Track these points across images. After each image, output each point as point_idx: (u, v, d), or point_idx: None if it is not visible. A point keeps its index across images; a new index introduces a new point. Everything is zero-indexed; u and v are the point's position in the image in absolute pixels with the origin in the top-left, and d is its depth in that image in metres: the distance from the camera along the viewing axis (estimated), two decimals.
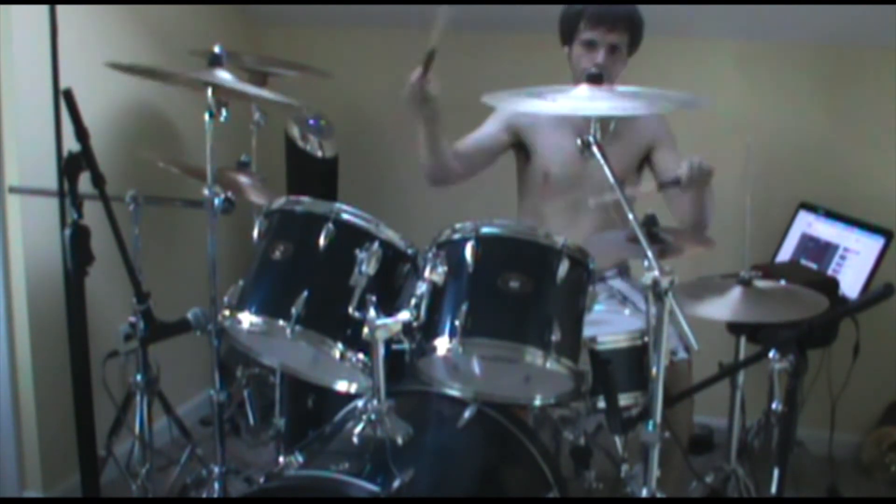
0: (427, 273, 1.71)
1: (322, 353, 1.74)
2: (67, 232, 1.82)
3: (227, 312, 1.79)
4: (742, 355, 2.29)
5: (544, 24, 2.51)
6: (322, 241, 1.74)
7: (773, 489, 1.64)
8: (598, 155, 1.74)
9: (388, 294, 1.76)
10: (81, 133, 1.84)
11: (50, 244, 2.45)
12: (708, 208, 2.34)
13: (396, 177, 3.51)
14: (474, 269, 1.71)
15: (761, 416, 2.55)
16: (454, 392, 1.89)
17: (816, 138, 3.12)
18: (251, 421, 2.79)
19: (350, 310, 1.69)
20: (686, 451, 2.27)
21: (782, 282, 2.14)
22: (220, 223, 2.08)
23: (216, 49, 2.04)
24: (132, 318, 2.15)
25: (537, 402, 1.91)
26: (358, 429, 1.64)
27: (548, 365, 1.66)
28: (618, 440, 2.14)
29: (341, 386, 1.90)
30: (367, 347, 1.67)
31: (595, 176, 2.40)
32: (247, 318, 1.75)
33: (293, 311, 1.69)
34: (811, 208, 3.02)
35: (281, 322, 1.70)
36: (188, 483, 2.39)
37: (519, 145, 2.57)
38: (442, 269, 1.71)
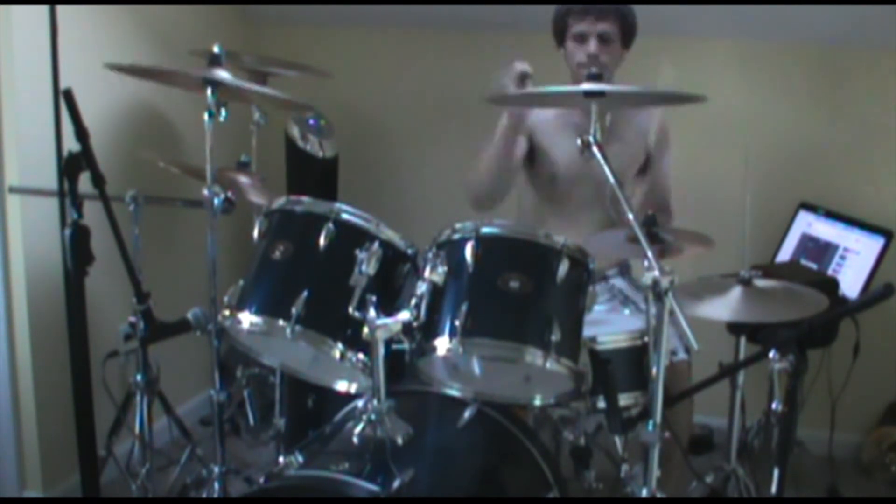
0: (427, 273, 1.71)
1: (322, 353, 1.74)
2: (67, 232, 1.82)
3: (227, 312, 1.79)
4: (742, 355, 2.29)
5: (544, 24, 2.51)
6: (322, 241, 1.74)
7: (773, 489, 1.64)
8: (598, 155, 1.74)
9: (388, 294, 1.76)
10: (81, 133, 1.84)
11: (50, 244, 2.45)
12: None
13: (396, 177, 3.51)
14: (474, 269, 1.71)
15: (761, 416, 2.55)
16: (454, 392, 1.89)
17: (816, 138, 3.12)
18: (251, 421, 2.79)
19: (350, 310, 1.69)
20: (686, 451, 2.27)
21: (782, 282, 2.14)
22: (220, 223, 2.08)
23: (216, 49, 2.04)
24: (132, 318, 2.15)
25: (537, 402, 1.91)
26: (358, 429, 1.64)
27: (548, 365, 1.66)
28: (618, 440, 2.14)
29: (341, 386, 1.90)
30: (367, 347, 1.67)
31: (598, 174, 2.42)
32: (247, 318, 1.75)
33: (293, 311, 1.69)
34: (811, 208, 3.02)
35: (281, 322, 1.70)
36: (188, 483, 2.39)
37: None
38: (442, 269, 1.71)
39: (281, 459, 1.87)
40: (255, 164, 2.72)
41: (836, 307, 2.40)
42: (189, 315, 2.10)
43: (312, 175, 3.26)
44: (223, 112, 2.02)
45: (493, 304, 1.70)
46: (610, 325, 2.07)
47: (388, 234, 1.77)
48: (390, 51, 3.47)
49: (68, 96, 1.81)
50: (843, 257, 2.89)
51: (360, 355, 1.71)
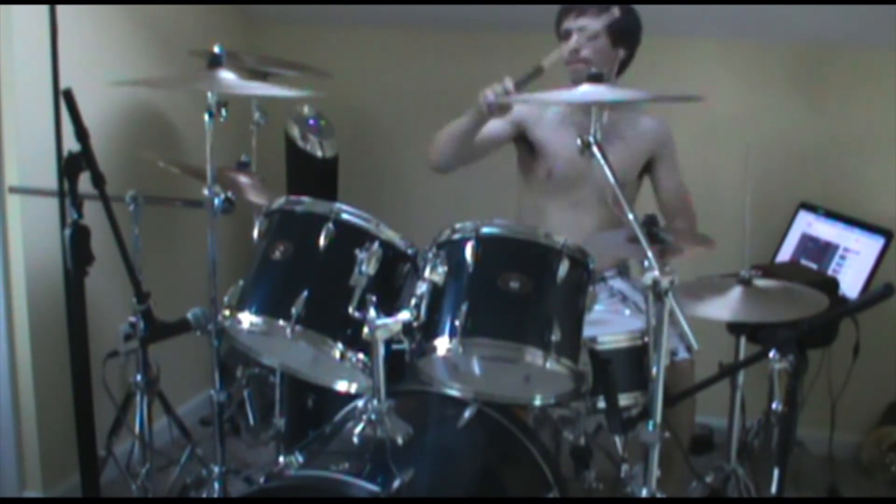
0: (427, 273, 1.71)
1: (322, 353, 1.74)
2: (67, 232, 1.82)
3: (227, 312, 1.79)
4: (742, 355, 2.29)
5: (544, 24, 2.52)
6: (322, 241, 1.74)
7: (773, 489, 1.64)
8: (598, 155, 1.74)
9: (388, 294, 1.76)
10: (81, 133, 1.83)
11: (50, 244, 2.45)
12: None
13: (396, 177, 3.51)
14: (474, 269, 1.71)
15: (761, 416, 2.55)
16: (454, 392, 1.89)
17: (816, 138, 3.12)
18: (251, 421, 2.79)
19: (350, 310, 1.69)
20: (686, 451, 2.27)
21: (782, 282, 2.14)
22: (220, 223, 2.08)
23: (216, 49, 2.04)
24: (132, 318, 2.15)
25: (537, 402, 1.91)
26: (358, 429, 1.64)
27: (548, 365, 1.66)
28: (618, 440, 2.14)
29: (341, 386, 1.90)
30: (367, 347, 1.67)
31: (598, 174, 2.42)
32: (247, 318, 1.75)
33: (293, 311, 1.69)
34: (811, 208, 3.02)
35: (281, 322, 1.70)
36: (188, 483, 2.39)
37: (523, 140, 2.57)
38: (442, 269, 1.71)
39: (281, 459, 1.87)
40: (255, 164, 2.72)
41: (836, 307, 2.40)
42: (189, 315, 2.10)
43: (312, 175, 3.26)
44: (223, 112, 2.02)
45: (493, 304, 1.70)
46: (610, 325, 2.07)
47: (388, 234, 1.77)
48: (390, 51, 3.47)
49: (68, 96, 1.81)
50: (843, 257, 2.89)
51: (360, 355, 1.71)
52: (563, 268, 1.70)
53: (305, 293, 1.71)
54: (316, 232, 1.75)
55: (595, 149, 1.74)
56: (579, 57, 2.39)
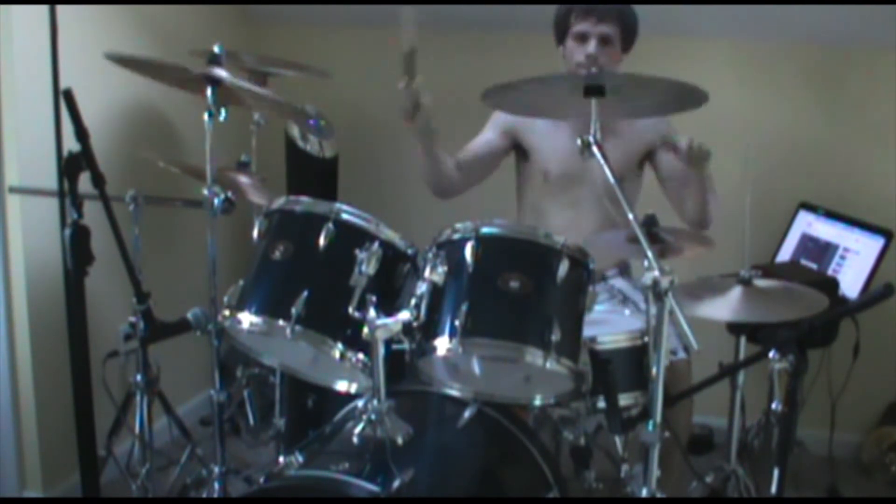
0: (427, 273, 1.71)
1: (322, 353, 1.74)
2: (67, 232, 1.82)
3: (227, 312, 1.79)
4: (742, 355, 2.29)
5: (543, 24, 2.51)
6: (322, 241, 1.74)
7: (773, 489, 1.64)
8: (598, 155, 1.74)
9: (388, 294, 1.76)
10: (81, 133, 1.83)
11: (50, 244, 2.45)
12: (710, 204, 2.34)
13: (396, 177, 3.50)
14: (474, 269, 1.71)
15: (761, 416, 2.55)
16: (454, 392, 1.89)
17: (816, 138, 3.12)
18: (251, 421, 2.79)
19: (350, 310, 1.69)
20: (686, 451, 2.27)
21: (782, 282, 2.14)
22: (220, 223, 2.08)
23: (216, 49, 2.04)
24: (132, 318, 2.15)
25: (537, 402, 1.91)
26: (358, 429, 1.64)
27: (548, 365, 1.66)
28: (618, 440, 2.14)
29: (341, 386, 1.90)
30: (367, 347, 1.67)
31: (595, 174, 2.42)
32: (247, 318, 1.75)
33: (293, 311, 1.69)
34: (811, 208, 3.02)
35: (281, 322, 1.70)
36: (188, 483, 2.39)
37: (517, 147, 2.57)
38: (442, 269, 1.71)
39: (281, 459, 1.86)
40: (255, 164, 2.72)
41: (836, 307, 2.40)
42: (189, 315, 2.10)
43: (312, 175, 3.26)
44: (223, 112, 2.02)
45: (493, 304, 1.70)
46: (610, 325, 2.07)
47: (388, 234, 1.77)
48: (390, 51, 3.46)
49: (68, 96, 1.81)
50: (843, 257, 2.89)
51: (360, 355, 1.71)
52: (563, 268, 1.70)
53: (305, 293, 1.71)
54: (316, 232, 1.75)
55: (595, 148, 1.74)
56: (597, 63, 2.35)
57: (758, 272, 2.04)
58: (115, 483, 2.49)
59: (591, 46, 2.36)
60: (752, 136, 2.99)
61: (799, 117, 3.13)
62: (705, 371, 1.93)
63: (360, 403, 1.68)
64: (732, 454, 2.33)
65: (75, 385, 1.92)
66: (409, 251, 1.80)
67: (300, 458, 1.81)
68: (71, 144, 1.86)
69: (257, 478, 2.14)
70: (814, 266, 2.90)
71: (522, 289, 1.68)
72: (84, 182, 1.87)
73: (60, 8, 2.27)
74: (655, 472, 1.69)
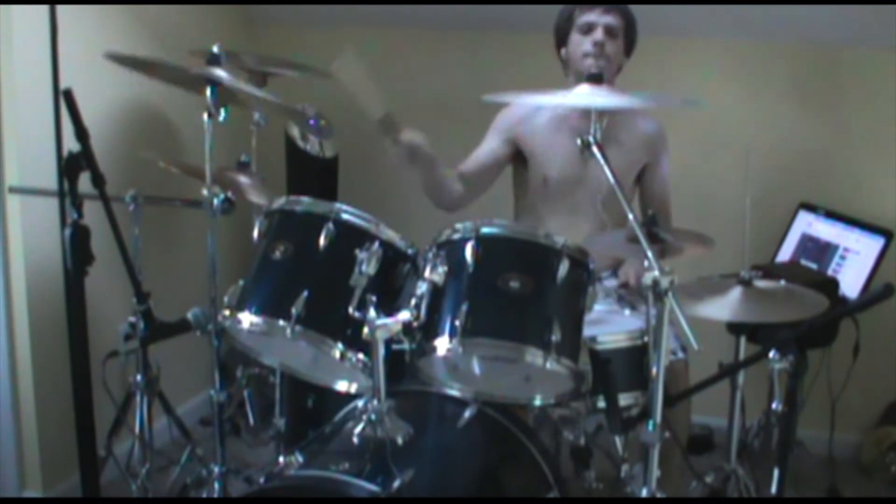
0: (427, 273, 1.72)
1: (322, 353, 1.74)
2: (67, 232, 1.82)
3: (227, 312, 1.79)
4: (742, 355, 2.29)
5: (544, 25, 2.51)
6: (322, 241, 1.74)
7: (773, 489, 1.64)
8: (598, 155, 1.74)
9: (388, 294, 1.76)
10: (81, 133, 1.84)
11: (50, 244, 2.45)
12: None
13: (396, 177, 3.49)
14: (474, 269, 1.71)
15: (761, 416, 2.55)
16: (454, 392, 1.89)
17: (816, 138, 3.12)
18: (251, 421, 2.79)
19: (350, 310, 1.69)
20: (686, 451, 2.27)
21: (782, 282, 2.14)
22: (220, 223, 2.08)
23: (215, 49, 2.04)
24: (132, 318, 2.15)
25: (537, 402, 1.91)
26: (358, 429, 1.64)
27: (548, 365, 1.66)
28: (618, 440, 2.14)
29: (341, 386, 1.90)
30: (367, 347, 1.67)
31: (594, 178, 2.43)
32: (247, 318, 1.75)
33: (293, 311, 1.69)
34: (811, 208, 3.02)
35: (281, 322, 1.70)
36: (188, 483, 2.38)
37: (517, 152, 2.58)
38: (442, 269, 1.71)
39: (281, 459, 1.87)
40: (255, 164, 2.71)
41: (836, 307, 2.40)
42: (189, 315, 2.10)
43: (312, 175, 3.26)
44: (223, 112, 2.02)
45: (494, 304, 1.70)
46: (610, 325, 2.07)
47: (388, 234, 1.77)
48: (390, 51, 3.47)
49: (68, 96, 1.81)
50: (843, 257, 2.89)
51: (360, 355, 1.71)
52: (563, 268, 1.70)
53: (305, 293, 1.71)
54: (316, 232, 1.75)
55: (595, 149, 1.74)
56: (604, 52, 2.38)
57: (758, 272, 2.04)
58: (115, 483, 2.49)
59: (599, 34, 2.39)
60: (752, 136, 2.99)
61: (799, 118, 3.12)
62: (705, 371, 1.93)
63: (360, 403, 1.68)
64: (732, 454, 2.33)
65: (75, 385, 1.92)
66: (410, 251, 1.80)
67: (300, 458, 1.81)
68: (71, 144, 1.86)
69: (257, 478, 2.15)
70: (814, 266, 2.90)
71: (522, 289, 1.68)
72: (84, 182, 1.87)
73: (60, 8, 2.27)
74: (655, 472, 1.69)
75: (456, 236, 1.76)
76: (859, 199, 3.01)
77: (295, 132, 3.20)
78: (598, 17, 2.40)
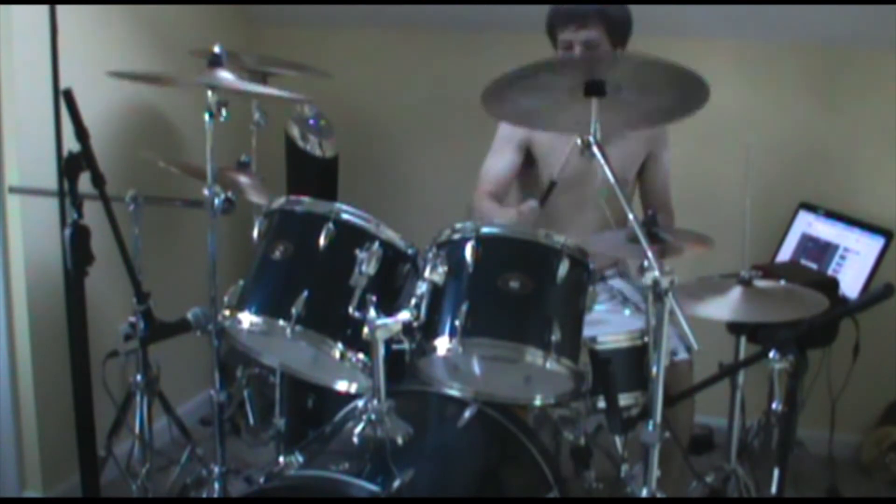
0: (427, 273, 1.71)
1: (322, 353, 1.74)
2: (67, 232, 1.82)
3: (227, 312, 1.79)
4: (742, 355, 2.29)
5: (543, 25, 2.51)
6: (322, 241, 1.74)
7: (773, 489, 1.64)
8: (599, 155, 1.74)
9: (388, 294, 1.76)
10: (81, 133, 1.84)
11: (50, 244, 2.45)
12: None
13: (396, 177, 3.51)
14: (474, 269, 1.71)
15: (761, 416, 2.55)
16: (454, 392, 1.89)
17: (816, 138, 3.12)
18: (251, 421, 2.79)
19: (350, 310, 1.69)
20: (686, 451, 2.26)
21: (782, 282, 2.14)
22: (220, 223, 2.08)
23: (216, 49, 2.04)
24: (132, 318, 2.15)
25: (537, 402, 1.91)
26: (358, 429, 1.64)
27: (548, 365, 1.66)
28: (618, 440, 2.14)
29: (341, 386, 1.90)
30: (367, 347, 1.67)
31: (597, 177, 2.42)
32: (247, 318, 1.75)
33: (293, 311, 1.69)
34: (811, 208, 3.02)
35: (281, 322, 1.70)
36: (188, 483, 2.38)
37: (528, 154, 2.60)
38: (442, 269, 1.71)
39: (281, 459, 1.87)
40: (255, 164, 2.71)
41: (836, 307, 2.40)
42: (189, 315, 2.10)
43: (312, 175, 3.26)
44: (223, 112, 2.02)
45: (494, 304, 1.70)
46: (610, 325, 2.07)
47: (388, 234, 1.77)
48: (390, 51, 3.47)
49: (68, 96, 1.81)
50: (843, 257, 2.89)
51: (360, 355, 1.71)
52: (563, 268, 1.70)
53: (305, 293, 1.71)
54: (316, 232, 1.75)
55: (595, 148, 1.73)
56: None
57: (758, 272, 2.04)
58: (115, 483, 2.49)
59: (577, 52, 2.38)
60: (752, 136, 2.98)
61: (799, 117, 3.12)
62: (705, 371, 1.93)
63: (360, 403, 1.68)
64: (732, 454, 2.33)
65: (75, 385, 1.92)
66: (410, 251, 1.80)
67: (300, 458, 1.82)
68: (71, 144, 1.86)
69: (257, 478, 2.14)
70: (814, 266, 2.90)
71: (522, 289, 1.68)
72: (84, 182, 1.87)
73: (60, 8, 2.27)
74: (655, 472, 1.69)
75: (456, 236, 1.76)
76: (859, 199, 3.01)
77: (295, 132, 3.20)
78: (573, 34, 2.38)
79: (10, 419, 2.58)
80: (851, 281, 2.82)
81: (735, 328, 2.32)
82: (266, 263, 1.80)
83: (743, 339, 2.29)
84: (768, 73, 3.12)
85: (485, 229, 1.74)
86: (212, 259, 2.08)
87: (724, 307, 1.95)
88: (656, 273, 1.59)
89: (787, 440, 1.67)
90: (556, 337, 1.66)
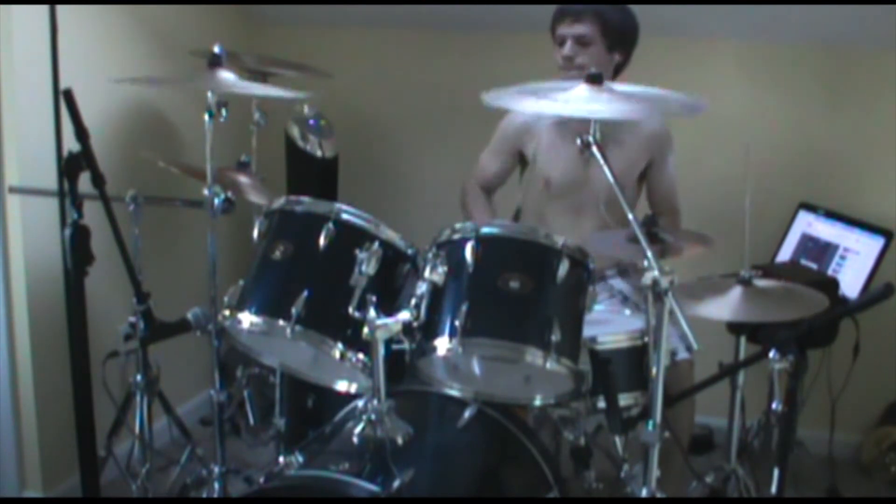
0: (427, 273, 1.72)
1: (322, 353, 1.74)
2: (67, 232, 1.82)
3: (227, 312, 1.79)
4: (742, 355, 2.29)
5: (543, 25, 2.52)
6: (322, 241, 1.75)
7: (773, 489, 1.64)
8: (598, 155, 1.74)
9: (388, 294, 1.76)
10: (81, 133, 1.83)
11: (50, 244, 2.45)
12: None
13: (396, 177, 3.50)
14: (474, 269, 1.71)
15: (761, 416, 2.55)
16: (454, 392, 1.89)
17: (816, 138, 3.12)
18: (251, 421, 2.79)
19: (350, 310, 1.69)
20: (686, 451, 2.27)
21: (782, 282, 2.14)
22: (220, 223, 2.08)
23: (216, 49, 2.04)
24: (132, 318, 2.15)
25: (537, 402, 1.91)
26: (358, 429, 1.64)
27: (548, 365, 1.66)
28: (618, 440, 2.14)
29: (341, 386, 1.90)
30: (367, 347, 1.67)
31: (596, 179, 2.43)
32: (247, 318, 1.75)
33: (293, 311, 1.69)
34: (811, 208, 3.02)
35: (281, 322, 1.71)
36: (188, 483, 2.38)
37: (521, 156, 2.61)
38: (442, 269, 1.71)
39: (281, 459, 1.87)
40: (255, 164, 2.72)
41: (836, 307, 2.40)
42: (189, 315, 2.10)
43: (312, 175, 3.26)
44: (223, 112, 2.02)
45: (494, 304, 1.70)
46: (610, 325, 2.07)
47: (388, 234, 1.77)
48: (390, 51, 3.47)
49: (68, 96, 1.81)
50: (843, 257, 2.88)
51: (360, 355, 1.72)
52: (563, 268, 1.70)
53: (305, 293, 1.71)
54: (316, 232, 1.75)
55: (595, 149, 1.74)
56: (574, 64, 2.40)
57: (758, 272, 2.04)
58: (115, 483, 2.48)
59: (567, 47, 2.41)
60: (752, 136, 2.99)
61: (799, 117, 3.12)
62: (705, 371, 1.93)
63: (360, 403, 1.68)
64: (732, 454, 2.33)
65: (75, 385, 1.91)
66: (409, 251, 1.80)
67: (300, 458, 1.81)
68: (71, 144, 1.86)
69: (257, 478, 2.15)
70: (814, 266, 2.89)
71: (522, 289, 1.68)
72: (84, 182, 1.87)
73: (60, 8, 2.27)
74: (655, 472, 1.69)
75: (456, 236, 1.76)
76: (859, 199, 3.01)
77: (295, 132, 3.20)
78: (566, 28, 2.41)
79: (10, 419, 2.58)
80: (851, 281, 2.82)
81: (735, 328, 2.32)
82: (266, 263, 1.80)
83: (743, 339, 2.30)
84: (769, 73, 3.12)
85: (485, 229, 1.74)
86: (212, 259, 2.08)
87: (724, 307, 1.95)
88: (656, 273, 1.60)
89: (787, 440, 1.67)
90: (556, 337, 1.66)
